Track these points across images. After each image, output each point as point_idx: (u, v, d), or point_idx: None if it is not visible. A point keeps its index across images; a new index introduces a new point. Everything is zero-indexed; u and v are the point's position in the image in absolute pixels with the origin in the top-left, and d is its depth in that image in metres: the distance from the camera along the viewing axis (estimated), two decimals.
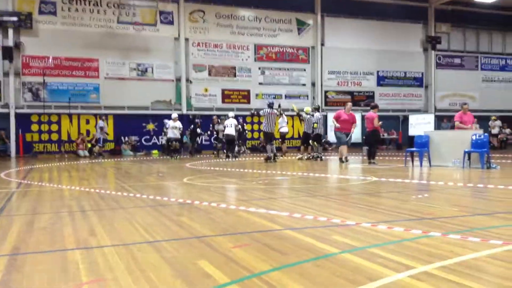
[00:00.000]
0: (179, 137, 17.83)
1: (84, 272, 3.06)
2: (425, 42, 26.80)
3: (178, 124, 17.60)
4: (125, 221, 4.85)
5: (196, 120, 21.00)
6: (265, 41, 23.93)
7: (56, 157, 19.30)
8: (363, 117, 24.39)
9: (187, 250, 3.63)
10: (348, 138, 13.74)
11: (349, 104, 14.25)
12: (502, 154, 17.29)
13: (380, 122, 13.42)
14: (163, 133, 20.46)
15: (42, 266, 3.25)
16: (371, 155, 13.17)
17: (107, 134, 20.35)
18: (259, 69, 23.89)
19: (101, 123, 19.90)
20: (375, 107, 13.64)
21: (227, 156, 17.34)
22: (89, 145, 20.20)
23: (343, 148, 13.61)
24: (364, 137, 14.07)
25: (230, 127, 17.16)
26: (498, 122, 23.33)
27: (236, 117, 18.17)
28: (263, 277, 2.87)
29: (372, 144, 13.35)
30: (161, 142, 21.89)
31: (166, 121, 19.16)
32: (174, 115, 18.03)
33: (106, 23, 21.33)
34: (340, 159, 13.53)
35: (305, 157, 15.55)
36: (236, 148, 18.00)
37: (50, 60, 20.63)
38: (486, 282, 2.72)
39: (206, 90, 22.97)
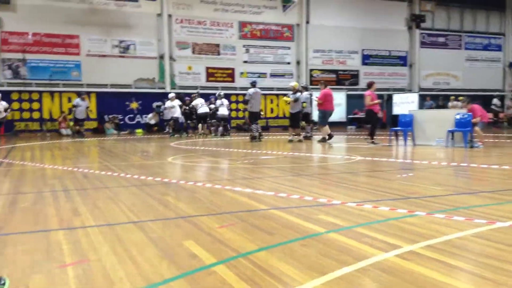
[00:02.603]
0: (178, 116, 17.69)
1: (67, 253, 3.01)
2: (409, 21, 26.74)
3: (176, 102, 17.47)
4: (109, 201, 4.78)
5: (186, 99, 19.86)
6: (249, 18, 23.60)
7: (38, 136, 18.99)
8: (348, 96, 24.60)
9: (172, 230, 3.60)
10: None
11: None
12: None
13: (376, 101, 12.78)
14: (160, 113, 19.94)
15: (25, 246, 3.20)
16: (370, 135, 12.88)
17: (90, 110, 19.67)
18: (243, 47, 23.59)
19: (75, 101, 18.77)
20: (369, 85, 12.98)
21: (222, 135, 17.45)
22: (71, 124, 19.77)
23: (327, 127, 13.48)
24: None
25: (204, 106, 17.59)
26: (459, 103, 21.99)
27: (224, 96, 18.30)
28: (250, 257, 2.85)
29: (370, 125, 13.02)
30: (145, 121, 21.65)
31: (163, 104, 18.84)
32: (171, 94, 17.92)
33: None
34: (324, 138, 13.38)
35: (296, 139, 14.94)
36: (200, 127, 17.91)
37: (29, 36, 20.10)
38: (471, 261, 2.74)
39: (190, 68, 22.63)
